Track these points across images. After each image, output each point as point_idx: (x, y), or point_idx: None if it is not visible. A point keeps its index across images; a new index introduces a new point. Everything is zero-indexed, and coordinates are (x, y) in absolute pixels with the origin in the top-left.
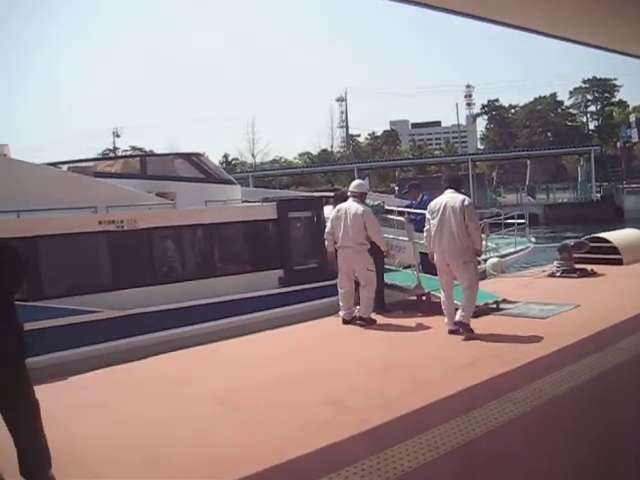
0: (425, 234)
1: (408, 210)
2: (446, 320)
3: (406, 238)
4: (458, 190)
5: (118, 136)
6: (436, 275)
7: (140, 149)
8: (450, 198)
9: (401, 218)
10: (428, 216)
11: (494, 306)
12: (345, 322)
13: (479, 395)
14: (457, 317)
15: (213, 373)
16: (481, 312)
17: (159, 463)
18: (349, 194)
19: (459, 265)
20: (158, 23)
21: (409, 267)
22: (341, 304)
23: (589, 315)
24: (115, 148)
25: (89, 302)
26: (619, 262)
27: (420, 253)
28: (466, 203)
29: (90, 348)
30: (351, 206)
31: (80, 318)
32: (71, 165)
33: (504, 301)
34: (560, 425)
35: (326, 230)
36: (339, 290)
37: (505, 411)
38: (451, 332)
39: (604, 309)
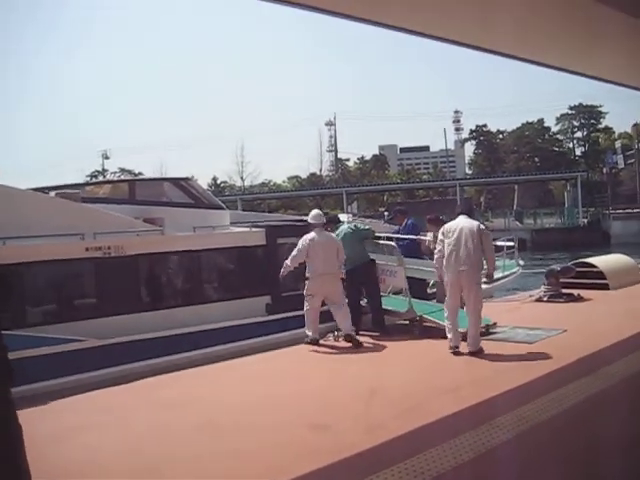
0: (437, 255)
1: (396, 236)
2: (450, 338)
3: (395, 263)
4: (471, 216)
5: (107, 158)
6: (423, 300)
7: (129, 171)
8: (466, 222)
9: (391, 243)
10: (441, 237)
11: (484, 330)
12: (316, 343)
13: (465, 420)
14: (469, 347)
15: (198, 399)
16: (465, 338)
17: None
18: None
19: (472, 286)
20: (146, 46)
21: (398, 293)
22: (311, 325)
23: (575, 340)
24: (104, 170)
25: (74, 330)
26: (606, 287)
27: (407, 278)
28: (482, 227)
29: (73, 378)
30: (322, 235)
31: (64, 347)
32: (59, 191)
33: (494, 325)
34: (547, 451)
35: (294, 255)
36: (309, 309)
37: (492, 436)
38: (455, 353)
39: (590, 334)
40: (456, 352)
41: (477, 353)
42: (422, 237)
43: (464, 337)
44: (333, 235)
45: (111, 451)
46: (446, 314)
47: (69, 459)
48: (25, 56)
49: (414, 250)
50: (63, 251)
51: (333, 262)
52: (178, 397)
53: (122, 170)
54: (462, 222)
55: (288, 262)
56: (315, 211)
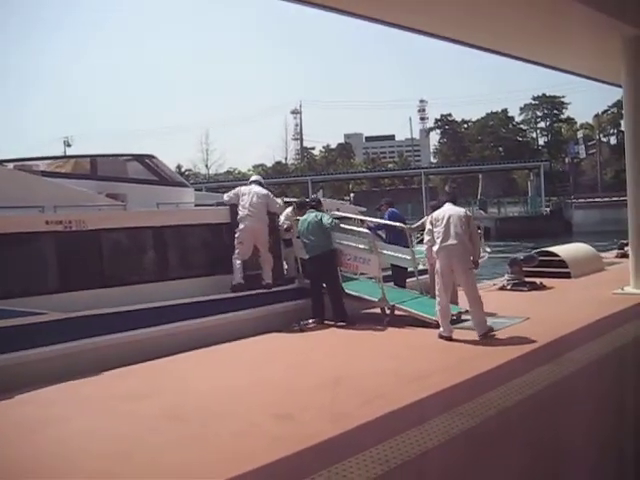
0: (427, 244)
1: (367, 219)
2: (440, 323)
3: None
4: (455, 203)
5: (69, 145)
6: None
7: None
8: (453, 209)
9: (366, 230)
10: (429, 226)
11: (455, 317)
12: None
13: (430, 408)
14: (478, 332)
15: (165, 387)
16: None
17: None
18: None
19: (465, 271)
20: (109, 34)
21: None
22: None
23: (538, 328)
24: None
25: (34, 304)
26: (567, 275)
27: (393, 266)
28: (468, 214)
29: (33, 351)
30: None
31: (23, 320)
32: (17, 163)
33: (466, 312)
34: (513, 435)
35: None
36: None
37: (456, 423)
38: (444, 338)
39: (553, 322)
40: (444, 337)
41: (487, 335)
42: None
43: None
44: (261, 189)
45: (77, 443)
46: (438, 302)
47: (35, 452)
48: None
49: (399, 237)
50: (22, 224)
51: (262, 210)
52: (142, 388)
53: None
54: (449, 209)
55: (225, 198)
56: (255, 176)
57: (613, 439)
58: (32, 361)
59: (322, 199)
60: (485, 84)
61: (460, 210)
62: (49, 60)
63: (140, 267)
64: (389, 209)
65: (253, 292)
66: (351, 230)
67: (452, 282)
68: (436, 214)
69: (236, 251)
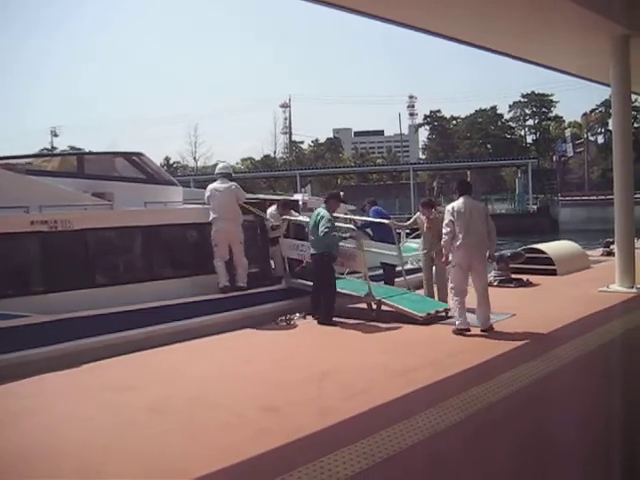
0: (446, 236)
1: (356, 218)
2: (458, 317)
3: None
4: (471, 196)
5: (56, 135)
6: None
7: (79, 149)
8: (472, 203)
9: (353, 227)
10: (450, 217)
11: (444, 314)
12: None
13: (415, 403)
14: (481, 326)
15: (152, 379)
16: (426, 321)
17: (91, 475)
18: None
19: (482, 264)
20: (100, 23)
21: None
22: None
23: (525, 324)
24: (53, 148)
25: (18, 306)
26: (554, 273)
27: (383, 264)
28: (487, 208)
29: (18, 354)
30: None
31: (7, 323)
32: (1, 162)
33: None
34: (498, 431)
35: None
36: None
37: (442, 418)
38: (461, 331)
39: (539, 318)
40: (462, 333)
41: (488, 330)
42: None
43: (430, 320)
44: (232, 184)
45: (62, 434)
46: (455, 295)
47: (18, 443)
48: None
49: (386, 234)
50: (6, 224)
51: (233, 208)
52: (129, 379)
53: (72, 148)
54: (469, 203)
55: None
56: (222, 164)
57: (600, 433)
58: (13, 365)
59: (309, 198)
60: (476, 81)
61: (479, 204)
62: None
63: (127, 267)
64: (372, 207)
65: (240, 293)
66: (338, 227)
67: (467, 277)
68: (457, 206)
69: (215, 254)
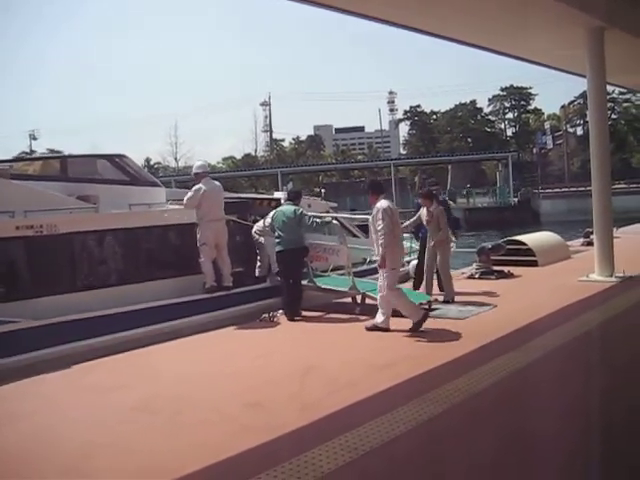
0: (387, 237)
1: (339, 216)
2: (382, 315)
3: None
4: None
5: (35, 138)
6: None
7: (58, 152)
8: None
9: (336, 222)
10: (388, 219)
11: (427, 307)
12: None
13: (399, 395)
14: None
15: (137, 379)
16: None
17: (76, 474)
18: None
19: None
20: (76, 25)
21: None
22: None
23: (506, 315)
24: (32, 151)
25: (7, 311)
26: (535, 264)
27: None
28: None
29: (6, 360)
30: (209, 184)
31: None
32: None
33: (436, 301)
34: (479, 421)
35: (189, 197)
36: (204, 260)
37: (424, 410)
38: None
39: (520, 309)
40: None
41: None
42: None
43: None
44: (219, 183)
45: (46, 438)
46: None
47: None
48: None
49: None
50: None
51: (221, 208)
52: (115, 379)
53: (51, 151)
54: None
55: (184, 202)
56: (200, 162)
57: (579, 423)
58: (5, 370)
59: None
60: (457, 75)
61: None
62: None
63: (114, 270)
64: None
65: (225, 293)
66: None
67: None
68: (390, 205)
69: (201, 253)
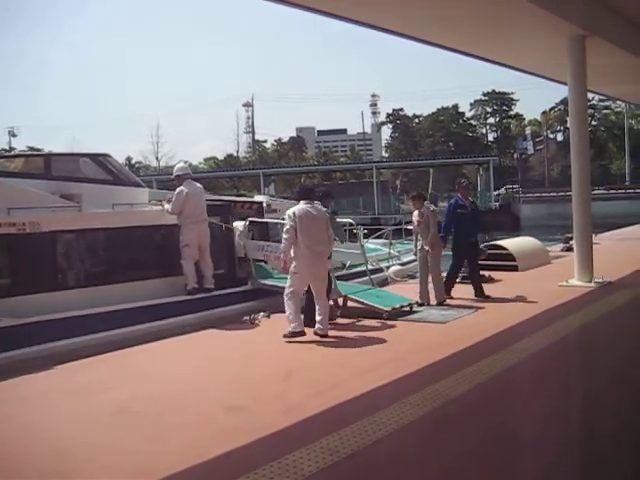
0: (286, 242)
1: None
2: (294, 321)
3: None
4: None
5: (14, 135)
6: None
7: (39, 150)
8: (315, 208)
9: None
10: (291, 223)
11: (408, 309)
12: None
13: (380, 399)
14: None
15: (119, 380)
16: (391, 315)
17: (53, 476)
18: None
19: (324, 272)
20: (57, 23)
21: None
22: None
23: (486, 319)
24: (11, 148)
25: None
26: (515, 268)
27: None
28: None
29: None
30: (191, 186)
31: None
32: None
33: (416, 304)
34: (459, 425)
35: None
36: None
37: (405, 413)
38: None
39: (500, 313)
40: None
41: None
42: None
43: (395, 314)
44: (200, 185)
45: (32, 439)
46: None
47: None
48: None
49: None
50: None
51: (204, 210)
52: (96, 382)
53: (31, 149)
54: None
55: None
56: (181, 164)
57: (560, 424)
58: None
59: (271, 198)
60: (443, 79)
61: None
62: None
63: (97, 269)
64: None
65: (206, 295)
66: None
67: None
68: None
69: (184, 254)
